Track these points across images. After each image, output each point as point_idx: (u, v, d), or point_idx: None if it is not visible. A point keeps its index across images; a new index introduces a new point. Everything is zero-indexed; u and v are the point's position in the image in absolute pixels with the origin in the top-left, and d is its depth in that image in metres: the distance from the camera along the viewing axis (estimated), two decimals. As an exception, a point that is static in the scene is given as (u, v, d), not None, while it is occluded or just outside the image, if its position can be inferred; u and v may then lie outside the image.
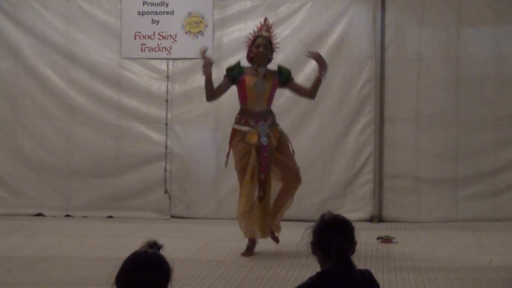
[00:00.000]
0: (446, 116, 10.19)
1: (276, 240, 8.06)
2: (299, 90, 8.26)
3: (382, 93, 10.20)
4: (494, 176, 10.13)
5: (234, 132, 7.97)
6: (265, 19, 8.32)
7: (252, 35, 8.12)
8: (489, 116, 10.14)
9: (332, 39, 10.18)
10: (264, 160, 7.81)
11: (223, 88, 8.03)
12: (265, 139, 7.82)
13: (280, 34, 10.19)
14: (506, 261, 7.64)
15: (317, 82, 8.03)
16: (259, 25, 8.20)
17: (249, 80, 7.91)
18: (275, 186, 8.03)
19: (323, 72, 7.96)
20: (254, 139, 7.82)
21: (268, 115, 7.99)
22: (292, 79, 8.13)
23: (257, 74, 7.93)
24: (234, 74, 7.96)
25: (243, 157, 7.85)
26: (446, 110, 10.19)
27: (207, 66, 7.84)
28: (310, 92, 8.18)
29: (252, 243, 8.01)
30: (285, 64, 8.39)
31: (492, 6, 10.10)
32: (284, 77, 8.05)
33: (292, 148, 8.16)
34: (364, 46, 10.19)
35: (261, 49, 7.96)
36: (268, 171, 7.86)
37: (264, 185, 7.87)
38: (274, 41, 8.12)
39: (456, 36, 10.18)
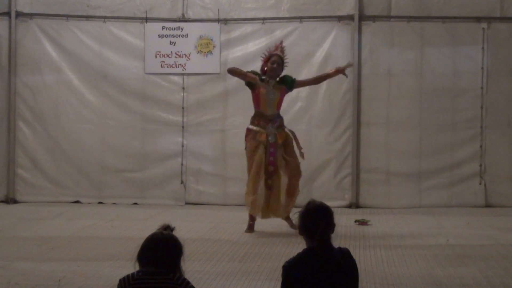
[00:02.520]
0: (411, 121, 10.17)
1: (292, 225, 7.94)
2: (304, 83, 8.45)
3: (359, 102, 10.18)
4: (451, 170, 10.11)
5: (248, 131, 8.09)
6: (281, 42, 8.41)
7: (268, 52, 8.15)
8: (447, 121, 10.11)
9: (318, 57, 10.18)
10: (272, 155, 7.86)
11: (250, 76, 7.97)
12: (272, 137, 7.85)
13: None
14: (460, 240, 7.62)
15: (326, 77, 8.26)
16: (275, 45, 8.27)
17: (263, 89, 7.96)
18: (284, 179, 8.04)
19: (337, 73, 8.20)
20: (262, 137, 7.90)
21: (277, 119, 8.05)
22: (295, 80, 8.15)
23: (268, 85, 7.95)
24: (254, 82, 7.96)
25: (253, 151, 7.92)
26: (412, 116, 10.17)
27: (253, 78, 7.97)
28: (313, 81, 8.44)
29: (252, 219, 8.03)
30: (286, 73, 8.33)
31: (449, 31, 10.09)
32: (288, 84, 8.09)
33: (299, 146, 8.10)
34: (344, 63, 10.14)
35: (275, 65, 8.00)
36: (276, 164, 7.88)
37: (272, 175, 7.91)
38: (285, 61, 8.16)
39: (420, 55, 10.16)
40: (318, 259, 3.49)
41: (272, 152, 7.90)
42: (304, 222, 3.57)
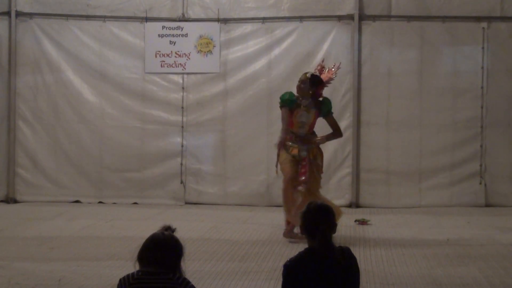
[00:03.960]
0: (411, 121, 10.18)
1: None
2: (330, 126, 7.97)
3: (359, 102, 10.18)
4: (451, 170, 10.11)
5: (281, 144, 7.79)
6: (322, 60, 8.11)
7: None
8: (447, 121, 10.12)
9: (318, 57, 10.14)
10: (304, 168, 7.68)
11: (288, 118, 7.81)
12: (305, 152, 7.71)
13: (275, 53, 10.24)
14: (460, 239, 7.63)
15: (327, 138, 7.90)
16: (318, 65, 8.08)
17: (297, 112, 7.76)
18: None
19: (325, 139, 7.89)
20: (294, 151, 7.73)
21: (310, 138, 7.81)
22: (330, 113, 7.84)
23: (301, 108, 7.76)
24: (290, 105, 7.76)
25: (284, 163, 7.73)
26: (412, 116, 10.18)
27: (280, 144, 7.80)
28: (331, 135, 7.94)
29: (289, 225, 7.67)
30: (327, 98, 8.00)
31: (449, 31, 10.09)
32: (324, 111, 7.83)
33: (322, 164, 7.91)
34: (344, 63, 10.14)
35: (302, 85, 7.78)
36: (307, 175, 7.69)
37: (306, 184, 7.74)
38: (320, 78, 7.84)
39: (420, 55, 10.16)
40: (319, 259, 3.49)
41: (304, 165, 7.72)
42: (306, 222, 3.58)
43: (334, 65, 8.08)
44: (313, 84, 7.79)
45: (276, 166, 7.95)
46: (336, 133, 7.93)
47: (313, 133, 7.92)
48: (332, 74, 7.98)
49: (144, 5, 10.42)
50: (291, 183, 7.69)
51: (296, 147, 7.77)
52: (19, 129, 10.48)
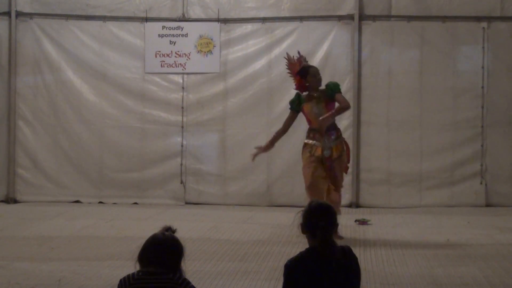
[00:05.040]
0: (412, 120, 10.18)
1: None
2: (338, 101, 7.71)
3: (359, 101, 10.18)
4: (451, 170, 10.11)
5: (305, 145, 7.75)
6: (298, 52, 8.00)
7: (295, 66, 7.79)
8: (447, 120, 10.12)
9: (318, 57, 10.17)
10: (328, 169, 7.62)
11: (291, 120, 7.84)
12: (328, 151, 7.63)
13: (275, 53, 10.24)
14: (460, 240, 7.63)
15: (333, 114, 7.59)
16: (298, 57, 7.87)
17: (307, 106, 7.70)
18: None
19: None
20: (318, 152, 7.63)
21: (332, 131, 7.71)
22: (335, 93, 7.61)
23: (312, 100, 7.66)
24: (296, 107, 7.75)
25: (307, 166, 7.64)
26: (412, 115, 10.18)
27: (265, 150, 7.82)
28: (337, 109, 7.67)
29: None
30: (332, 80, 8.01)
31: (450, 31, 10.10)
32: (330, 95, 7.64)
33: (348, 159, 7.87)
34: (344, 63, 10.19)
35: (319, 76, 7.74)
36: (331, 173, 7.65)
37: (331, 181, 7.66)
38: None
39: (420, 55, 10.17)
40: (320, 258, 3.49)
41: (328, 166, 7.65)
42: (307, 221, 3.57)
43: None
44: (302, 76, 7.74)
45: (257, 152, 7.89)
46: (342, 105, 7.60)
47: (335, 127, 7.76)
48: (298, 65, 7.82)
49: (144, 5, 10.43)
50: (313, 187, 7.55)
51: (320, 145, 7.64)
52: (19, 129, 10.48)
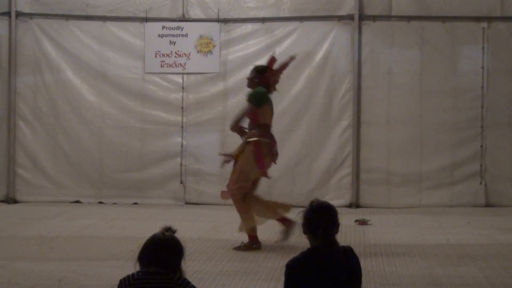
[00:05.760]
0: (412, 120, 10.18)
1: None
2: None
3: (359, 101, 10.18)
4: (451, 170, 10.11)
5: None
6: (274, 53, 7.76)
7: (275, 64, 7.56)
8: (447, 120, 10.12)
9: (318, 57, 10.18)
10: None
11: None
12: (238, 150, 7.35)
13: (275, 53, 10.22)
14: (460, 240, 7.63)
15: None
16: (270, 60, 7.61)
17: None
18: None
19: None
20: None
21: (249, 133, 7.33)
22: (248, 102, 7.42)
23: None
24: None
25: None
26: (412, 115, 10.18)
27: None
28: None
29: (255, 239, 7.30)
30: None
31: (449, 31, 10.10)
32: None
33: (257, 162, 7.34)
34: (344, 63, 10.19)
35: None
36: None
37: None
38: (264, 67, 7.66)
39: (420, 55, 10.17)
40: (322, 258, 3.48)
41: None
42: (308, 221, 3.57)
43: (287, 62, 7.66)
44: (257, 71, 7.44)
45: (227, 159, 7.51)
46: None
47: (254, 128, 7.25)
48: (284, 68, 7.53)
49: (144, 5, 10.43)
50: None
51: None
52: (19, 129, 10.48)
